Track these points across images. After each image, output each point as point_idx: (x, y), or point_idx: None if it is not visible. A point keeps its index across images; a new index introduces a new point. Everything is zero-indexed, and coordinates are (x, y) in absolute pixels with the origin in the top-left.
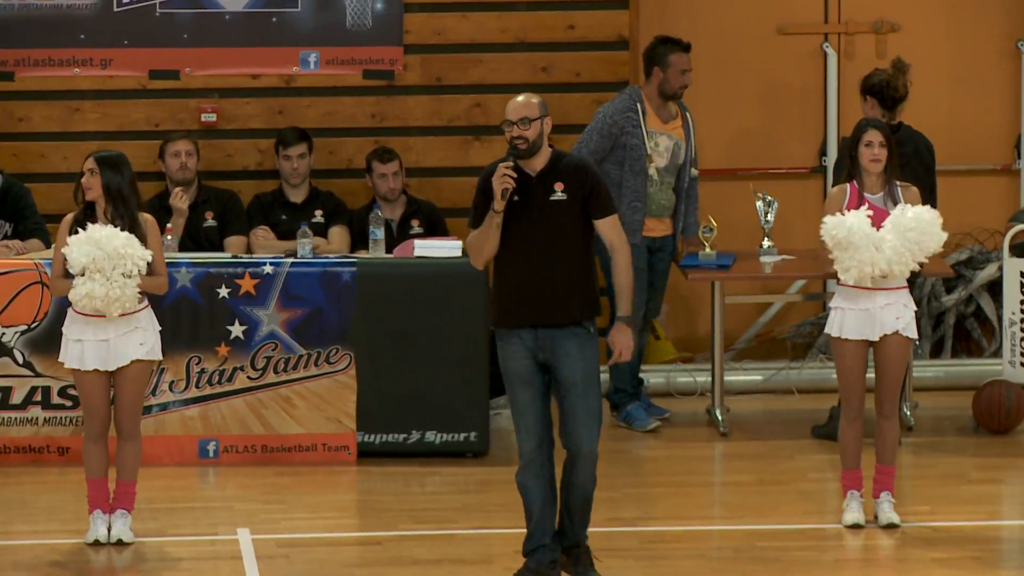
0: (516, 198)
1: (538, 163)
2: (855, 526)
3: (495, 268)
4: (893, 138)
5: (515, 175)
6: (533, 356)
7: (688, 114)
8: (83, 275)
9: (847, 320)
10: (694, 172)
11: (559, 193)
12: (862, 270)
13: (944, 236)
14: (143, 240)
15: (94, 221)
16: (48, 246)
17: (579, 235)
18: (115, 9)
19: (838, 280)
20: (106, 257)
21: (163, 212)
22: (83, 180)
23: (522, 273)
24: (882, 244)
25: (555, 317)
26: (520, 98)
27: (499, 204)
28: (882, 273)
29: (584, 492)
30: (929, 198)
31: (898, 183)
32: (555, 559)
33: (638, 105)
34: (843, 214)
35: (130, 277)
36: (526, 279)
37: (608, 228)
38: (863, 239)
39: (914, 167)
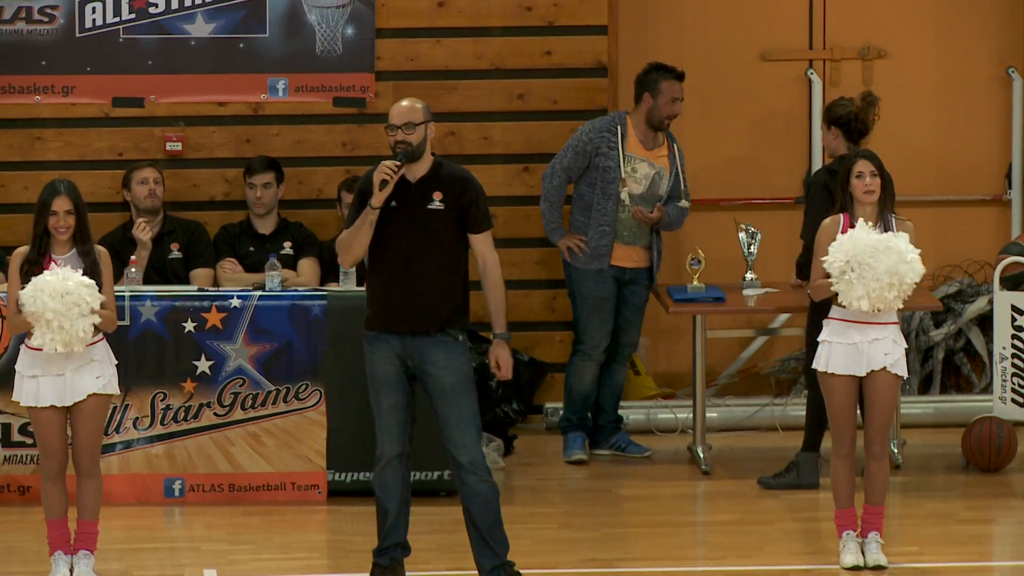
0: (394, 203)
1: (419, 170)
2: (855, 568)
3: (368, 272)
4: (884, 168)
5: (395, 171)
6: (402, 362)
7: (676, 145)
8: (40, 323)
9: (834, 354)
10: (684, 204)
11: (436, 202)
12: (871, 296)
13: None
14: (99, 275)
15: (48, 258)
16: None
17: (453, 245)
18: (77, 35)
19: (825, 315)
20: (64, 306)
21: (127, 243)
22: (59, 222)
23: (393, 279)
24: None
25: (423, 326)
26: (405, 102)
27: (377, 199)
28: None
29: (483, 500)
30: None
31: (893, 215)
32: (403, 558)
33: (619, 127)
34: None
35: (85, 316)
36: (396, 286)
37: (482, 244)
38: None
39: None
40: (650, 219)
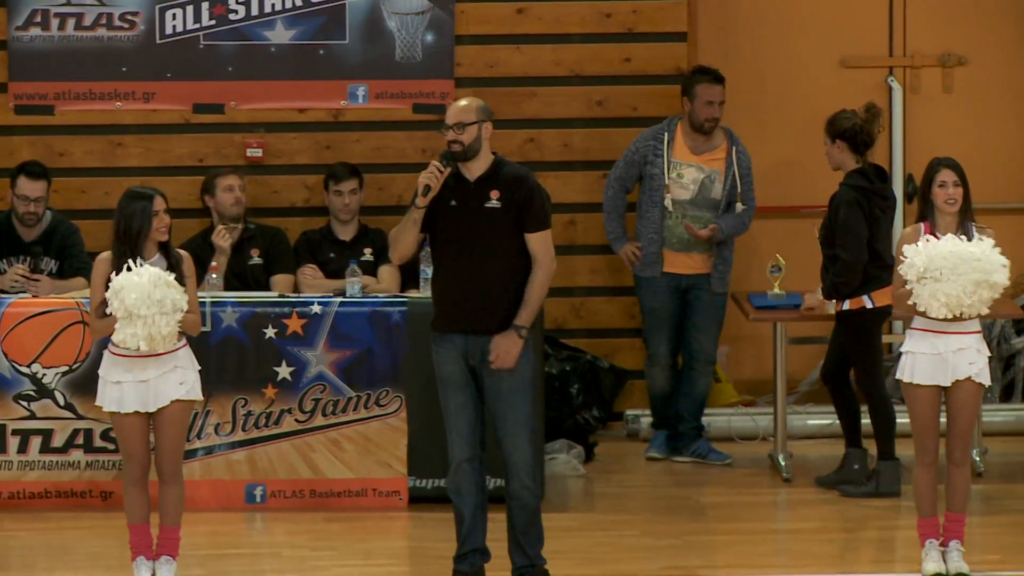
0: (453, 202)
1: (477, 169)
2: None
3: (433, 271)
4: (966, 176)
5: (440, 172)
6: (466, 362)
7: (736, 147)
8: (126, 318)
9: (918, 365)
10: (739, 207)
11: (494, 201)
12: (949, 301)
13: (1004, 277)
14: (181, 277)
15: (131, 259)
16: None
17: (513, 244)
18: (158, 41)
19: (905, 325)
20: (150, 303)
21: (208, 250)
22: (160, 222)
23: (455, 278)
24: (959, 279)
25: (484, 324)
26: (461, 101)
27: (420, 200)
28: (959, 308)
29: (521, 504)
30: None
31: (973, 223)
32: (484, 564)
33: (665, 134)
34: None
35: (169, 314)
36: (457, 284)
37: (536, 243)
38: (949, 268)
39: (890, 220)
40: (701, 236)
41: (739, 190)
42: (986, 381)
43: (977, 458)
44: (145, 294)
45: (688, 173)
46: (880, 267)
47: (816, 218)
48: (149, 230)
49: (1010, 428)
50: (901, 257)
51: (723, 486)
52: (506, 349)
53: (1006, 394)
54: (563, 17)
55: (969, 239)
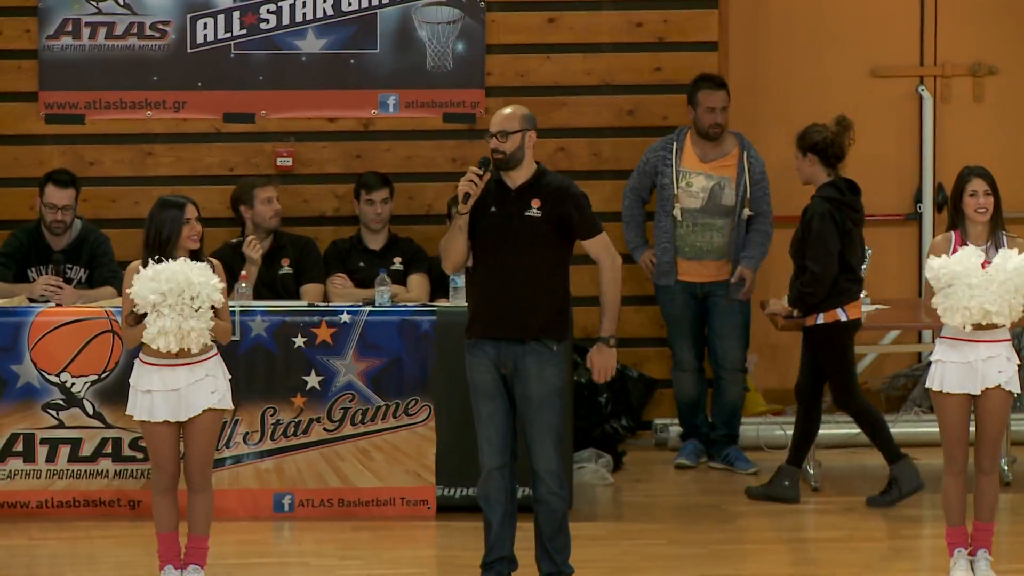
0: (493, 209)
1: (519, 177)
2: None
3: (470, 276)
4: (997, 185)
5: (479, 178)
6: (498, 370)
7: (748, 153)
8: (154, 312)
9: (948, 373)
10: (747, 213)
11: (535, 210)
12: (965, 313)
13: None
14: None
15: None
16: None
17: (551, 254)
18: (188, 50)
19: (934, 334)
20: (176, 289)
21: (238, 259)
22: (191, 230)
23: (490, 285)
24: (987, 287)
25: (517, 332)
26: (507, 110)
27: (461, 207)
28: (984, 317)
29: (549, 509)
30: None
31: (1004, 232)
32: (511, 572)
33: (674, 144)
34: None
35: (200, 308)
36: (493, 292)
37: (595, 247)
38: (967, 280)
39: (860, 233)
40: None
41: (748, 196)
42: (1016, 389)
43: (1005, 467)
44: (170, 283)
45: (697, 181)
46: (852, 280)
47: None
48: (179, 238)
49: None
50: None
51: None
52: (603, 364)
53: None
54: (594, 26)
55: (998, 248)
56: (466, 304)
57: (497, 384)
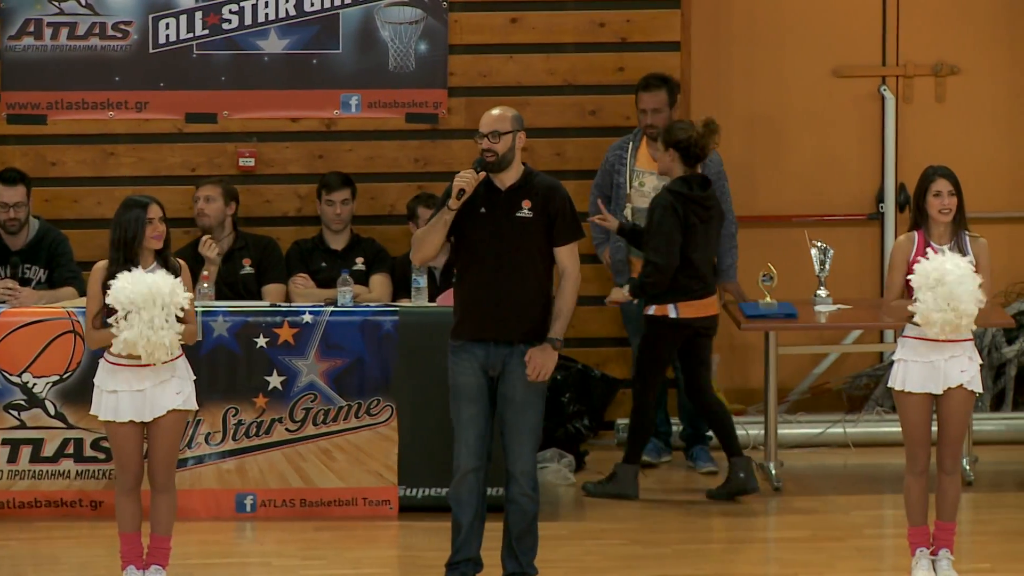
0: (483, 210)
1: (508, 178)
2: None
3: (456, 278)
4: (960, 185)
5: (474, 178)
6: (484, 372)
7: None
8: (125, 319)
9: (910, 373)
10: None
11: (525, 210)
12: (945, 319)
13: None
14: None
15: (128, 267)
16: (82, 294)
17: (541, 255)
18: (151, 51)
19: (895, 333)
20: (151, 301)
21: (198, 259)
22: (156, 228)
23: (480, 286)
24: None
25: (507, 334)
26: (495, 111)
27: (454, 202)
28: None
29: (520, 510)
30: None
31: (966, 232)
32: (475, 574)
33: (631, 143)
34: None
35: (171, 320)
36: (483, 292)
37: (565, 254)
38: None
39: (710, 231)
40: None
41: None
42: (978, 389)
43: (967, 467)
44: (153, 289)
45: (649, 181)
46: (692, 276)
47: (808, 227)
48: (143, 238)
49: (1000, 437)
50: (898, 269)
51: None
52: (543, 362)
53: (997, 403)
54: (556, 27)
55: (962, 248)
56: (436, 311)
57: (481, 387)
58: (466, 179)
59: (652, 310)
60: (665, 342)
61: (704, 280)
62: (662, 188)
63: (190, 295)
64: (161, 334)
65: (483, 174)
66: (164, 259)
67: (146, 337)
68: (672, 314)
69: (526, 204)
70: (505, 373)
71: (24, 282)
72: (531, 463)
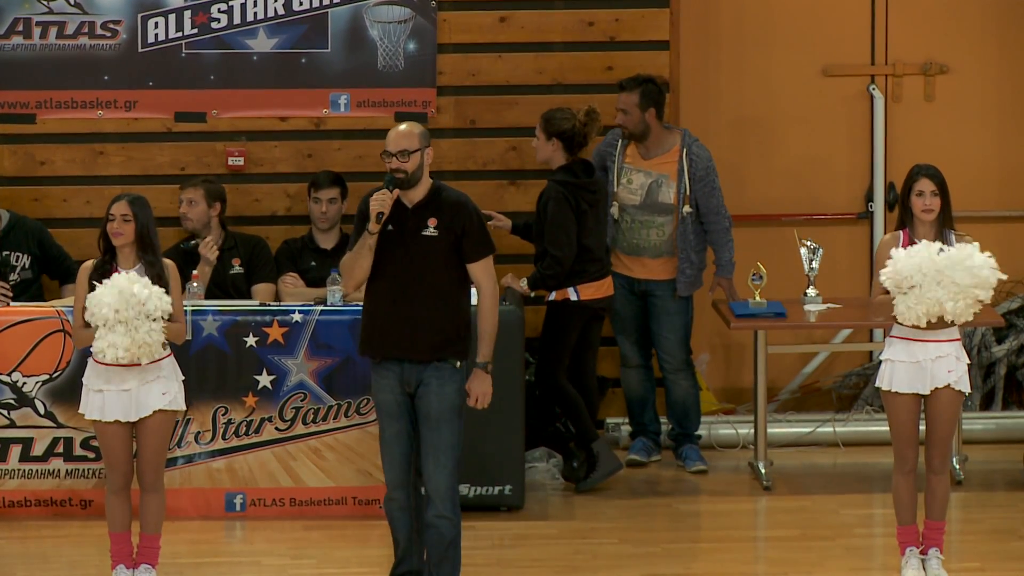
0: (390, 227)
1: (416, 195)
2: None
3: (365, 296)
4: (946, 184)
5: (390, 198)
6: (402, 389)
7: (688, 150)
8: (104, 326)
9: (897, 373)
10: (687, 210)
11: (431, 228)
12: (929, 308)
13: (994, 278)
14: (166, 286)
15: (115, 268)
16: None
17: (449, 272)
18: (140, 50)
19: (885, 332)
20: (129, 307)
21: (190, 259)
22: (113, 226)
23: (388, 305)
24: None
25: (418, 353)
26: (402, 127)
27: (373, 225)
28: (949, 312)
29: (437, 533)
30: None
31: (953, 231)
32: None
33: (619, 141)
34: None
35: (154, 322)
36: (391, 311)
37: (479, 271)
38: (932, 275)
39: (600, 214)
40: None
41: (687, 193)
42: (965, 388)
43: (957, 466)
44: (124, 300)
45: (636, 178)
46: (588, 260)
47: (798, 226)
48: (105, 234)
49: (990, 436)
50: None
51: (703, 494)
52: (481, 391)
53: (986, 402)
54: (545, 26)
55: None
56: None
57: (401, 404)
58: (382, 200)
59: (553, 295)
60: (568, 326)
61: (600, 262)
62: (549, 180)
63: (169, 299)
64: (140, 337)
65: (396, 192)
66: (147, 258)
67: (125, 343)
68: (573, 297)
69: (432, 222)
70: (420, 391)
71: (8, 269)
72: (448, 483)
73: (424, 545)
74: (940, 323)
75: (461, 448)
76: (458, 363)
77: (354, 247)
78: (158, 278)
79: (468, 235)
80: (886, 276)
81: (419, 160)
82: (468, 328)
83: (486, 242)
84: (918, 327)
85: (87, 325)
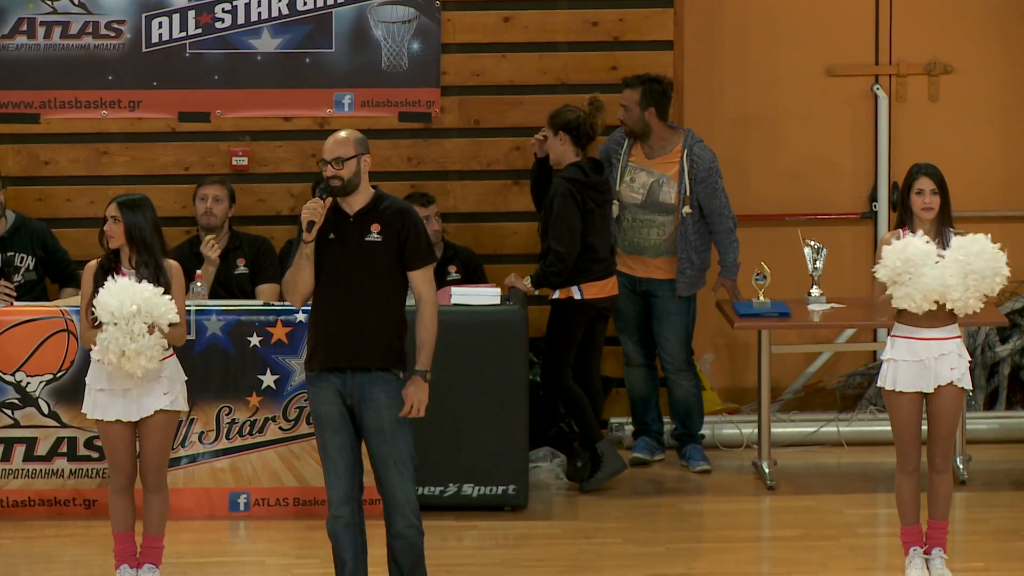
0: (332, 235)
1: (357, 202)
2: None
3: (312, 309)
4: (946, 183)
5: (322, 207)
6: (343, 400)
7: (689, 151)
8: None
9: (900, 372)
10: (687, 210)
11: (374, 234)
12: (927, 294)
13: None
14: (167, 287)
15: (118, 268)
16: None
17: (393, 279)
18: (144, 49)
19: (889, 331)
20: (127, 316)
21: (193, 258)
22: (106, 227)
23: (332, 314)
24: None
25: (362, 362)
26: (341, 133)
27: (307, 235)
28: (949, 298)
29: (408, 544)
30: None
31: (952, 230)
32: None
33: (625, 140)
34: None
35: (151, 333)
36: (335, 320)
37: (419, 280)
38: (926, 260)
39: (607, 214)
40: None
41: (687, 194)
42: (967, 385)
43: (960, 466)
44: (123, 308)
45: (639, 178)
46: (592, 260)
47: (802, 226)
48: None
49: (994, 436)
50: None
51: (707, 494)
52: (419, 398)
53: (990, 402)
54: (549, 25)
55: (946, 246)
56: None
57: (343, 416)
58: (313, 209)
59: (557, 294)
60: (572, 324)
61: (605, 262)
62: (557, 176)
63: (173, 308)
64: (136, 345)
65: (329, 200)
66: (143, 259)
67: (117, 351)
68: (577, 296)
69: (375, 228)
70: (367, 403)
71: (12, 270)
72: (412, 492)
73: (391, 559)
74: (941, 315)
75: (414, 455)
76: (401, 373)
77: (292, 260)
78: (155, 279)
79: (411, 242)
80: (880, 271)
81: (355, 167)
82: (405, 337)
83: (428, 251)
84: (919, 326)
85: (92, 324)
